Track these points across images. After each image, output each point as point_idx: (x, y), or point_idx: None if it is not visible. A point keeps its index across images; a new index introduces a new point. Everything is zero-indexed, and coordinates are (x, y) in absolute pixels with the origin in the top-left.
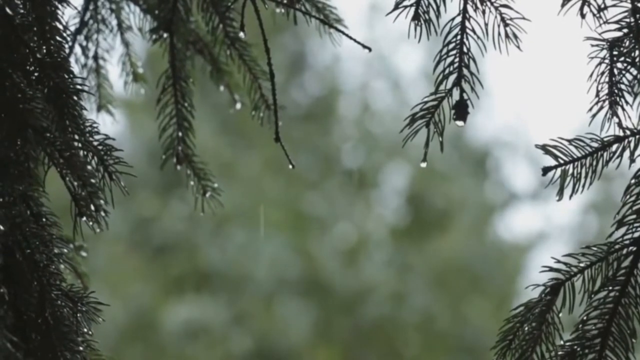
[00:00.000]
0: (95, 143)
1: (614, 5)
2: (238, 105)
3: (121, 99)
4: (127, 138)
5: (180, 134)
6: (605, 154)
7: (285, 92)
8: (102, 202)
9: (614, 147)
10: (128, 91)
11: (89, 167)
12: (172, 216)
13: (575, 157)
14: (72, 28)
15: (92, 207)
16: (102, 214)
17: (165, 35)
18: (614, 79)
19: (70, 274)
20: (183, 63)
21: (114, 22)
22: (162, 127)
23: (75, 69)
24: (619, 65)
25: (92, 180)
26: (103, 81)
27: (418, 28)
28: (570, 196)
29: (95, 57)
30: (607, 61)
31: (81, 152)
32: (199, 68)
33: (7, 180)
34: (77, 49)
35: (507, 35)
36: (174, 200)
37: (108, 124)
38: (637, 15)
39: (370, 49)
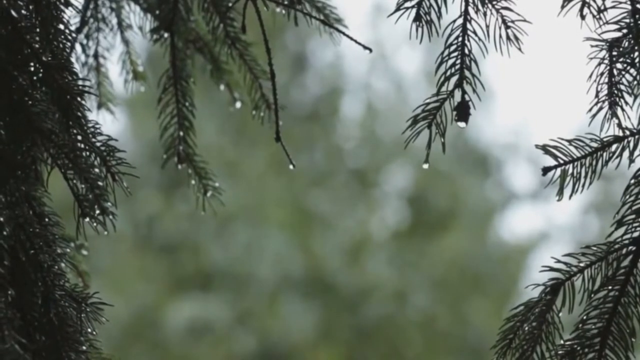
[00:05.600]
0: (98, 144)
1: (613, 7)
2: (238, 104)
3: (123, 98)
4: (130, 136)
5: (181, 133)
6: (604, 154)
7: (287, 91)
8: (109, 204)
9: (614, 147)
10: (128, 89)
11: (96, 170)
12: (175, 215)
13: (575, 157)
14: (73, 27)
15: (99, 210)
16: (110, 217)
17: (166, 35)
18: (613, 79)
19: (71, 272)
20: (184, 63)
21: (114, 21)
22: (163, 126)
23: (76, 67)
24: (619, 65)
25: (100, 183)
26: (103, 79)
27: (420, 29)
28: (570, 196)
29: (96, 56)
30: (606, 62)
31: (84, 153)
32: (199, 67)
33: (13, 182)
34: (78, 47)
35: (508, 37)
36: (178, 199)
37: (109, 122)
38: (637, 16)
39: (370, 50)
